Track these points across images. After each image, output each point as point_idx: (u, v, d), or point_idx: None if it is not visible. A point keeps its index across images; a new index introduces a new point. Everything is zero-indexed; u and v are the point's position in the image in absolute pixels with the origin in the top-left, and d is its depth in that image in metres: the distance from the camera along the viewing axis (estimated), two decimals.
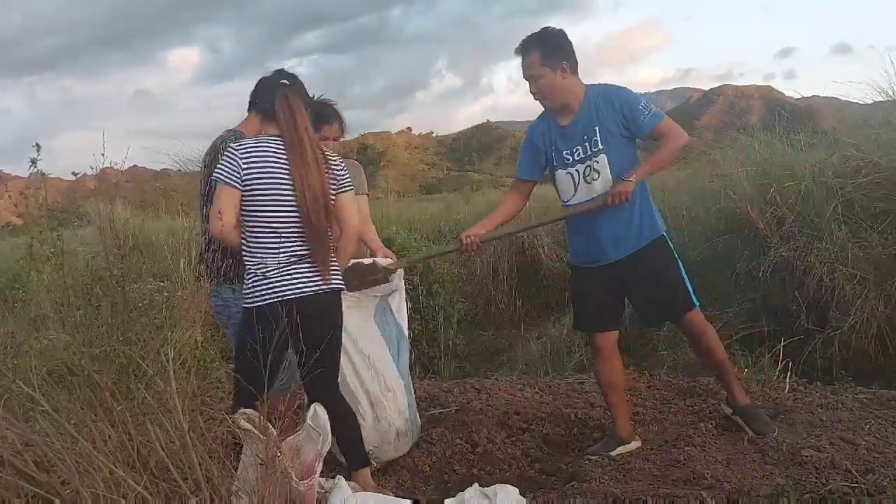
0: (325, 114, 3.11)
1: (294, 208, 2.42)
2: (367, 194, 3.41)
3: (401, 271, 3.23)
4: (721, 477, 2.47)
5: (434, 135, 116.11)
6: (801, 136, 5.16)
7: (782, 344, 3.94)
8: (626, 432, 2.99)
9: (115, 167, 3.06)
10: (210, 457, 1.89)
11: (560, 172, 2.92)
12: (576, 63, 2.84)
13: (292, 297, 2.40)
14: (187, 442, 1.82)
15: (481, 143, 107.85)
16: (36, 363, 1.98)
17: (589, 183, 2.85)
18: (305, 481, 2.03)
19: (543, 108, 2.95)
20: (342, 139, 3.24)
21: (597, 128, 2.81)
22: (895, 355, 3.98)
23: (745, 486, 2.37)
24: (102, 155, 2.77)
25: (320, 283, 2.46)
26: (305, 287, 2.43)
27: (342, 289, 2.57)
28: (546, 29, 2.90)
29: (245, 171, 2.40)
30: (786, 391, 3.49)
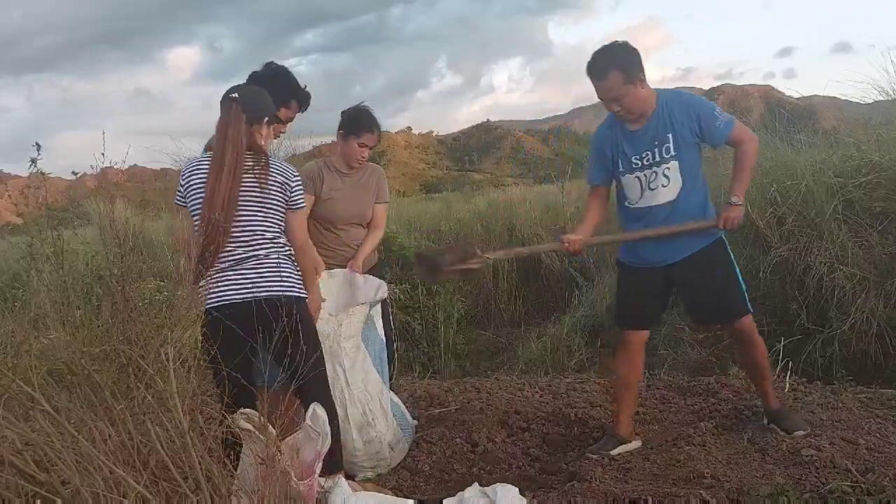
0: (363, 122, 3.16)
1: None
2: (387, 202, 3.41)
3: (384, 286, 3.22)
4: (721, 476, 2.47)
5: (434, 134, 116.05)
6: (801, 136, 5.15)
7: (782, 343, 3.94)
8: (626, 432, 3.00)
9: (115, 166, 3.06)
10: (210, 456, 1.89)
11: (627, 177, 2.88)
12: (644, 70, 2.78)
13: (219, 304, 2.46)
14: (187, 441, 1.82)
15: (481, 142, 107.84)
16: (36, 363, 1.98)
17: (654, 189, 2.83)
18: (305, 481, 2.03)
19: (611, 114, 2.87)
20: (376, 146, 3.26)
21: (670, 135, 2.77)
22: (895, 355, 3.98)
23: (745, 485, 2.37)
24: (102, 154, 2.77)
25: (251, 290, 2.48)
26: (236, 294, 2.48)
27: (276, 297, 2.49)
28: (616, 44, 2.79)
29: (185, 191, 2.55)
30: (786, 391, 3.49)
